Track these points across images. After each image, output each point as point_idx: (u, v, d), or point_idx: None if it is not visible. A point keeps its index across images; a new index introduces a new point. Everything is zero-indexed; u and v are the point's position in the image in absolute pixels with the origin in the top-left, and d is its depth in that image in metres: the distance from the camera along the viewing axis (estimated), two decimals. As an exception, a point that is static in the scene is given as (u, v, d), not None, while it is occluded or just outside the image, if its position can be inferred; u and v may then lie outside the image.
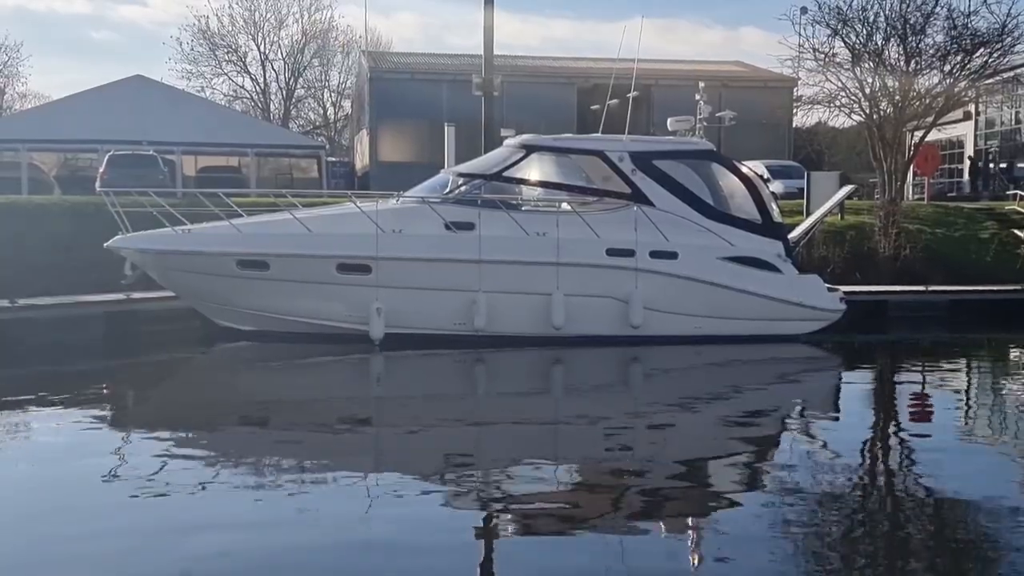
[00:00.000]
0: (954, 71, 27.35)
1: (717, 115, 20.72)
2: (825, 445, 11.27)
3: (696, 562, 7.36)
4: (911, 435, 12.18)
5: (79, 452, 10.43)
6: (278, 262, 16.99)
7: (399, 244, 16.99)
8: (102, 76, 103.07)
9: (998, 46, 27.18)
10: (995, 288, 22.14)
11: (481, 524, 8.31)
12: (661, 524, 8.33)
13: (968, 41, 27.22)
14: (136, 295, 18.08)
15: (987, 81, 29.26)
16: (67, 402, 12.95)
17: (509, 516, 8.48)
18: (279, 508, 8.48)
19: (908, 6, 27.24)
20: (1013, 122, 44.96)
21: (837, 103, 28.09)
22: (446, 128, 27.87)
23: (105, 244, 17.34)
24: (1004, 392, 15.26)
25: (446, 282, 17.02)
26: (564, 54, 56.13)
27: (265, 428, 11.99)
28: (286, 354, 16.64)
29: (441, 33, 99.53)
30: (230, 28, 61.71)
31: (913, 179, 36.79)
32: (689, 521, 8.39)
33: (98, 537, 7.74)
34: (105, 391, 14.45)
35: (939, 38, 27.52)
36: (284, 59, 63.48)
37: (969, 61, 27.31)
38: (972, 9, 27.34)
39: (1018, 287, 22.32)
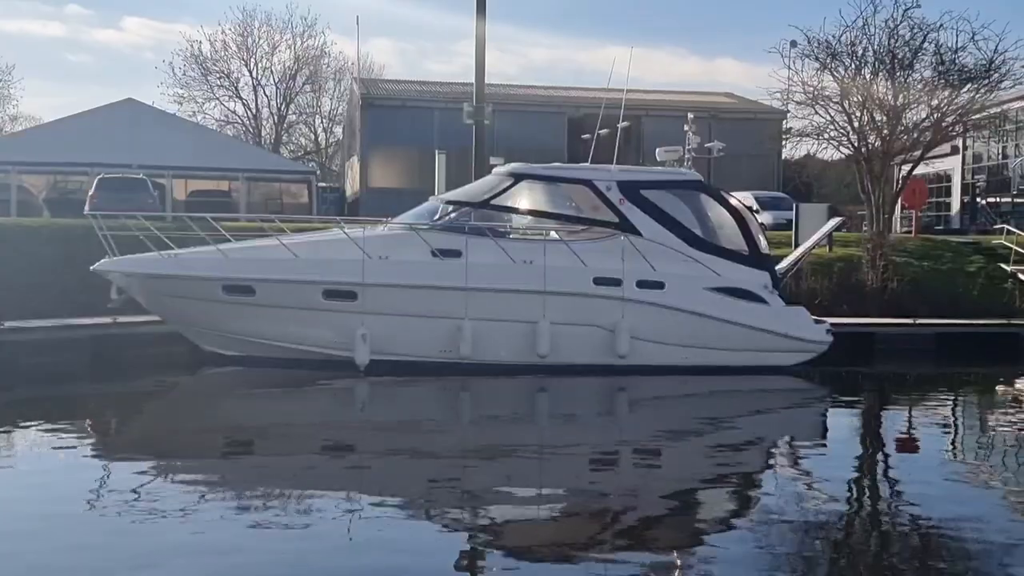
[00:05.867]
0: (942, 106, 27.55)
1: (706, 146, 20.80)
2: (811, 477, 11.23)
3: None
4: (897, 467, 12.20)
5: (62, 476, 10.37)
6: (264, 287, 16.97)
7: (385, 271, 16.98)
8: (80, 98, 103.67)
9: (985, 82, 27.43)
10: (982, 322, 22.19)
11: (466, 555, 8.24)
12: (647, 557, 8.26)
13: (956, 77, 27.44)
14: (123, 319, 18.02)
15: (975, 116, 29.43)
16: (51, 427, 12.87)
17: (494, 547, 8.41)
18: (262, 536, 8.40)
19: (896, 41, 27.50)
20: (1000, 157, 45.22)
21: (826, 136, 28.32)
22: (436, 155, 27.97)
23: (92, 267, 17.32)
24: (990, 425, 15.26)
25: (432, 309, 17.01)
26: (543, 82, 56.45)
27: (249, 454, 11.94)
28: (271, 379, 16.58)
29: (418, 59, 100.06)
30: (223, 53, 61.80)
31: (901, 212, 36.95)
32: (675, 554, 8.32)
33: (76, 560, 7.67)
34: (90, 415, 14.34)
35: (927, 73, 27.80)
36: (276, 85, 63.48)
37: (957, 96, 27.52)
38: (960, 45, 27.60)
39: (1005, 321, 22.39)
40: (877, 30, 27.51)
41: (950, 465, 12.31)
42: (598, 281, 17.36)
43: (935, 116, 27.73)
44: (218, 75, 62.06)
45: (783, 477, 11.41)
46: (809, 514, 9.45)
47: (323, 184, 51.11)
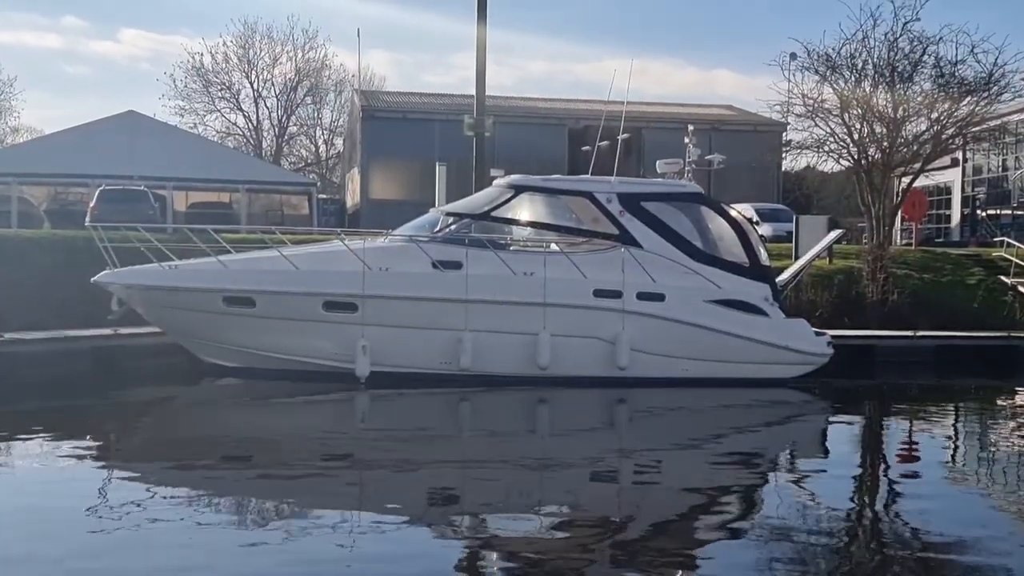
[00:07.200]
0: (941, 118, 27.59)
1: (706, 158, 20.83)
2: (812, 490, 11.20)
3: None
4: (898, 479, 12.17)
5: (62, 488, 10.35)
6: (264, 299, 16.97)
7: (386, 282, 16.98)
8: (79, 110, 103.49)
9: (985, 94, 27.47)
10: (982, 334, 22.20)
11: (464, 568, 8.23)
12: (647, 570, 8.25)
13: (956, 89, 27.49)
14: (123, 330, 18.02)
15: (974, 129, 29.48)
16: (52, 437, 12.84)
17: (493, 560, 8.39)
18: (262, 550, 8.37)
19: (896, 54, 27.56)
20: (1000, 169, 45.28)
21: (826, 148, 28.36)
22: (437, 167, 27.95)
23: (92, 279, 17.32)
24: (990, 437, 15.24)
25: (432, 321, 17.01)
26: (541, 94, 56.62)
27: (249, 466, 11.90)
28: (272, 391, 16.57)
29: (415, 71, 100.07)
30: (224, 65, 61.96)
31: (901, 224, 36.98)
32: (676, 568, 8.31)
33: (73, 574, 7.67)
34: (90, 426, 14.30)
35: (927, 86, 27.86)
36: (277, 96, 63.71)
37: (956, 109, 27.56)
38: (960, 58, 27.67)
39: (1004, 334, 22.39)
40: (877, 43, 27.62)
41: (950, 478, 12.27)
42: (598, 293, 17.36)
43: (935, 128, 27.79)
44: (219, 87, 62.28)
45: (783, 490, 11.36)
46: (810, 528, 9.41)
47: (323, 196, 51.17)
